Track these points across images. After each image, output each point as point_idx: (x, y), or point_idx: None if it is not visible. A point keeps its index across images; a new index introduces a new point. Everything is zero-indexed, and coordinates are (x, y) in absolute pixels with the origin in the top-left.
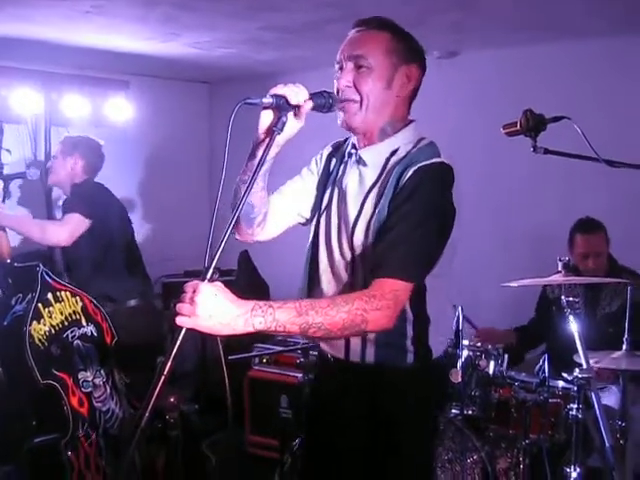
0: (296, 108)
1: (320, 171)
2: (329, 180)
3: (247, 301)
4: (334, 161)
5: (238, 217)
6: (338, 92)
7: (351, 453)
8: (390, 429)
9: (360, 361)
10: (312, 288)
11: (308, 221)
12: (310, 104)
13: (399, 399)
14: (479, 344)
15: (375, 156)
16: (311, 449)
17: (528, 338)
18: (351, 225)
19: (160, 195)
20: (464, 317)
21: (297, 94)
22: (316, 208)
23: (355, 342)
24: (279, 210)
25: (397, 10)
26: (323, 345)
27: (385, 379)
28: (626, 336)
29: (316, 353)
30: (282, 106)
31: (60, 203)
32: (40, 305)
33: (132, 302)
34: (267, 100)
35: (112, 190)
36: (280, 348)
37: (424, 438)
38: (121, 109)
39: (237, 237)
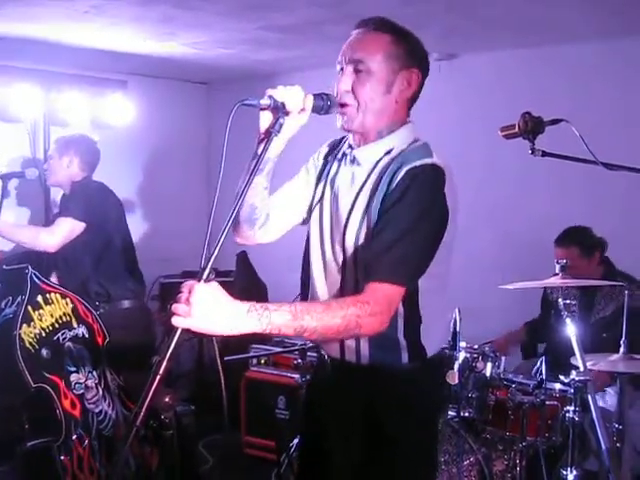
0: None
1: (317, 170)
2: (322, 178)
3: (243, 302)
4: (330, 159)
5: (239, 219)
6: (337, 95)
7: (347, 454)
8: (386, 429)
9: (355, 361)
10: (306, 288)
11: (306, 221)
12: (310, 107)
13: (394, 398)
14: (476, 346)
15: (369, 156)
16: (307, 450)
17: (537, 332)
18: (342, 225)
19: (158, 195)
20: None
21: (295, 100)
22: (311, 205)
23: (349, 342)
24: (280, 211)
25: (396, 12)
26: (321, 345)
27: (380, 379)
28: (623, 339)
29: (314, 354)
30: (279, 107)
31: (58, 199)
32: (30, 308)
33: (126, 303)
34: (264, 102)
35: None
36: (277, 349)
37: (422, 437)
38: (119, 109)
39: (238, 240)
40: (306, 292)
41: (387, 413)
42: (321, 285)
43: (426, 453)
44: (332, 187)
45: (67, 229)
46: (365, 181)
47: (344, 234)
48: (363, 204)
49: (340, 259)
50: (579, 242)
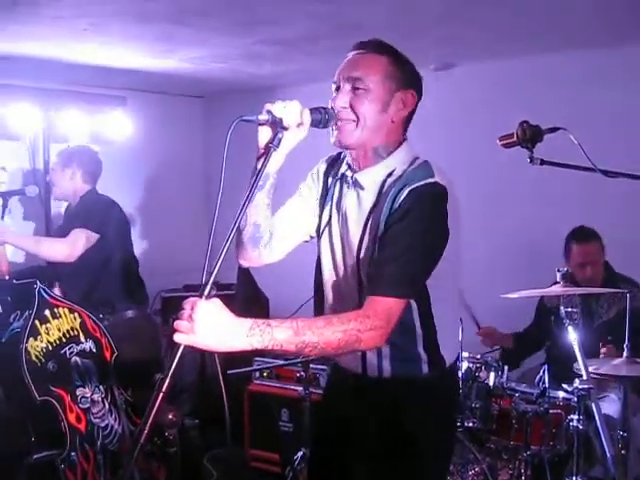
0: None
1: (320, 189)
2: (327, 199)
3: (245, 319)
4: (330, 179)
5: (243, 240)
6: (333, 111)
7: (367, 465)
8: (407, 435)
9: (377, 375)
10: (321, 307)
11: (311, 239)
12: (308, 121)
13: (416, 406)
14: (479, 355)
15: (371, 179)
16: (323, 462)
17: (525, 344)
18: (356, 248)
19: (158, 209)
20: (471, 316)
21: (292, 115)
22: (319, 227)
23: (371, 357)
24: (284, 229)
25: (393, 22)
26: (339, 360)
27: (402, 389)
28: (626, 343)
29: (317, 366)
30: (277, 122)
31: (62, 211)
32: (37, 322)
33: (130, 313)
34: (263, 117)
35: None
36: (280, 362)
37: (442, 443)
38: (119, 125)
39: (243, 263)
40: (320, 313)
41: (409, 420)
42: (337, 307)
43: (444, 458)
44: (339, 210)
45: (83, 240)
46: (373, 204)
47: (358, 257)
48: (373, 226)
49: (355, 280)
50: (598, 237)
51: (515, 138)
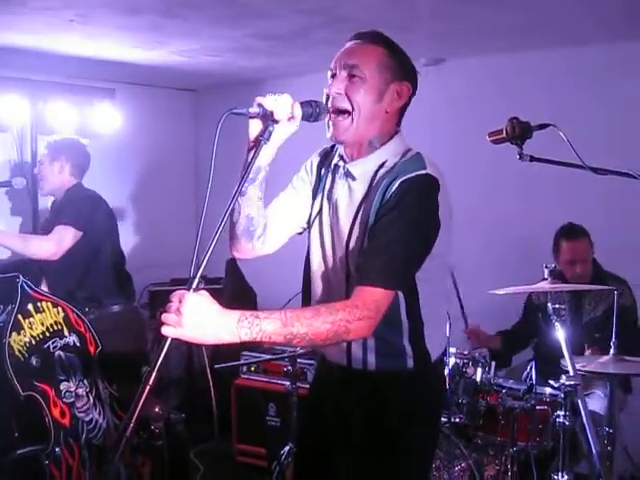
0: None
1: (312, 180)
2: (318, 190)
3: (233, 311)
4: (323, 171)
5: (237, 233)
6: (328, 99)
7: (351, 457)
8: (393, 433)
9: (362, 368)
10: (309, 297)
11: (304, 231)
12: (299, 115)
13: (400, 401)
14: (466, 351)
15: (363, 170)
16: (308, 454)
17: (513, 342)
18: (345, 238)
19: (146, 203)
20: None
21: (283, 108)
22: (310, 218)
23: (356, 350)
24: (278, 221)
25: (384, 17)
26: (324, 352)
27: (388, 385)
28: (613, 340)
29: (305, 361)
30: (268, 116)
31: (49, 205)
32: (20, 316)
33: (116, 307)
34: (254, 110)
35: None
36: (268, 356)
37: (426, 441)
38: (107, 117)
39: (237, 255)
40: (307, 303)
41: (393, 413)
42: (325, 298)
43: (427, 452)
44: (330, 200)
45: (70, 237)
46: (364, 195)
47: (347, 247)
48: (363, 217)
49: (343, 271)
50: (587, 234)
51: (504, 134)
